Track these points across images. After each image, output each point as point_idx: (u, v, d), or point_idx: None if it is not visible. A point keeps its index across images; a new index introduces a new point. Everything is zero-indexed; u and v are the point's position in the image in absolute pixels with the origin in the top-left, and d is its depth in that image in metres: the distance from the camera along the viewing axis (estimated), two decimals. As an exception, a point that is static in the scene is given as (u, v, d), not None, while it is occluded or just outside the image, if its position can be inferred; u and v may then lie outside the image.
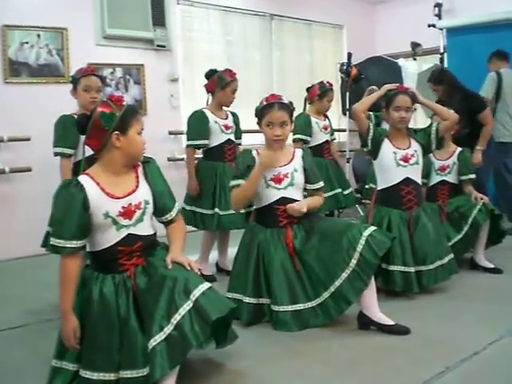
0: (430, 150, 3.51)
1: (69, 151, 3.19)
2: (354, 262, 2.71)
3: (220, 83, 3.77)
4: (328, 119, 4.73)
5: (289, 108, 2.94)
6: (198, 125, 3.75)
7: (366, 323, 2.78)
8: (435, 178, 4.00)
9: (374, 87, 4.70)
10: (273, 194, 2.94)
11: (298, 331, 2.77)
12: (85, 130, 2.19)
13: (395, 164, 3.35)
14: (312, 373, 2.36)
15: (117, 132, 2.14)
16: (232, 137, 3.86)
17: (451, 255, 3.40)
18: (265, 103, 2.94)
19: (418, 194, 3.41)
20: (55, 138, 3.23)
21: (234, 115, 3.97)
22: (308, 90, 4.64)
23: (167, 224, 2.36)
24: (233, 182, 2.96)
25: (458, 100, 4.44)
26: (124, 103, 2.19)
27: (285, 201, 2.93)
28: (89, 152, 2.32)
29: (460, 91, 4.57)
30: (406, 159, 3.36)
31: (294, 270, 2.86)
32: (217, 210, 3.71)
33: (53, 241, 2.11)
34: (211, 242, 3.90)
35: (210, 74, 3.84)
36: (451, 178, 3.95)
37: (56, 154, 3.22)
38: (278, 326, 2.81)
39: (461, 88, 4.62)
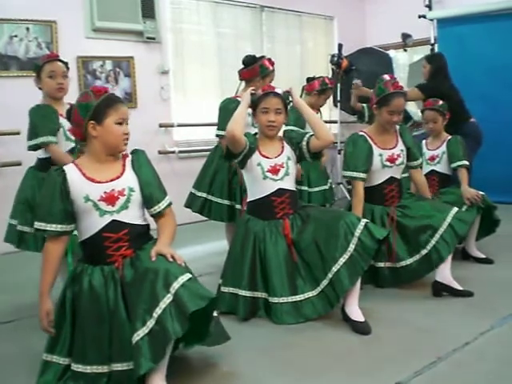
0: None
1: (55, 139, 2.98)
2: (352, 246, 2.71)
3: (262, 72, 3.68)
4: (320, 113, 4.58)
5: (283, 98, 2.98)
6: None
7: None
8: (425, 169, 3.99)
9: (358, 81, 4.68)
10: (270, 186, 2.96)
11: (297, 323, 2.77)
12: None
13: (381, 166, 3.27)
14: (305, 364, 2.37)
15: (92, 121, 2.17)
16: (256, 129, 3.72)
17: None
18: (260, 93, 3.00)
19: (400, 190, 3.36)
20: (35, 128, 2.99)
21: None
22: (308, 80, 4.43)
23: (157, 217, 2.33)
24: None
25: (441, 86, 4.47)
26: (103, 93, 2.20)
27: (281, 192, 2.95)
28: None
29: (444, 81, 4.58)
30: (392, 159, 3.27)
31: (292, 261, 2.86)
32: (234, 203, 3.61)
33: (36, 224, 2.17)
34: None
35: (251, 61, 3.69)
36: (440, 168, 3.95)
37: (37, 147, 3.01)
38: (277, 318, 2.80)
39: (446, 79, 4.62)
